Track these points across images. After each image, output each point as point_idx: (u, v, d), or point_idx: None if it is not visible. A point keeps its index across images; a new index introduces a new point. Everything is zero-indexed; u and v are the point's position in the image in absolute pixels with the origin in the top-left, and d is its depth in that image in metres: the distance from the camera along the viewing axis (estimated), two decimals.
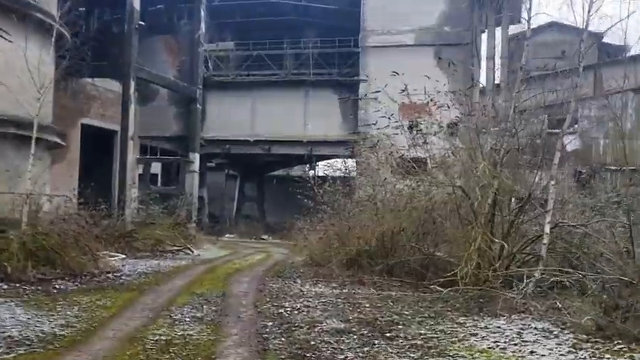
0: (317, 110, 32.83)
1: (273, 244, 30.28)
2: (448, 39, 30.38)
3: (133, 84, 22.90)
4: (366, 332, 8.12)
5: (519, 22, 33.54)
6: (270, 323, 8.74)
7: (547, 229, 11.26)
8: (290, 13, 36.19)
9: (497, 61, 31.53)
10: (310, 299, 10.91)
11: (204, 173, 37.36)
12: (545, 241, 11.20)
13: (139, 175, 28.30)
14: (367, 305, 10.22)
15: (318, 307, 10.12)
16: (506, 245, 10.72)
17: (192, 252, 20.62)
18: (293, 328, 8.30)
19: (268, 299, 11.00)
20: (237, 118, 33.56)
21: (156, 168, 36.97)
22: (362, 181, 16.83)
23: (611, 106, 26.34)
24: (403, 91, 13.93)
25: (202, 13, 29.67)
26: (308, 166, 47.23)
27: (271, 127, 33.18)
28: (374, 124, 16.72)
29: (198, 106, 28.11)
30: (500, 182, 10.84)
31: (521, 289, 9.94)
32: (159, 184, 36.69)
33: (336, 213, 15.99)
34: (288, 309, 9.88)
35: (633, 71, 30.37)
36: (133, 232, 19.60)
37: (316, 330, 8.20)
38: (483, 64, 31.52)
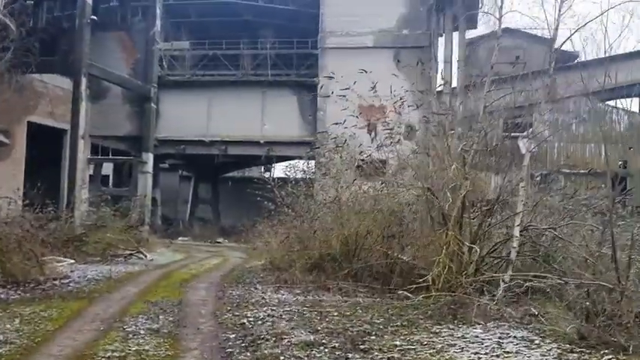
0: (275, 111, 32.06)
1: (228, 247, 29.39)
2: (406, 42, 30.09)
3: (84, 81, 21.67)
4: (337, 344, 7.47)
5: (475, 27, 33.74)
6: (233, 335, 8.03)
7: (516, 231, 10.90)
8: (246, 14, 35.33)
9: (454, 64, 31.52)
10: (274, 307, 10.21)
11: (157, 174, 36.20)
12: (514, 244, 10.84)
13: (90, 176, 27.09)
14: (335, 314, 9.59)
15: (284, 316, 9.44)
16: (477, 249, 10.25)
17: (146, 256, 19.60)
18: (258, 342, 7.60)
19: (229, 308, 10.25)
20: (192, 118, 32.47)
21: (107, 169, 35.61)
22: (325, 182, 16.15)
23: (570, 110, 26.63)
24: (372, 88, 13.36)
25: (158, 11, 28.52)
26: (262, 168, 46.54)
27: (228, 128, 32.24)
28: (341, 123, 16.10)
29: (152, 105, 26.78)
30: (472, 183, 10.39)
31: (495, 295, 9.49)
32: (110, 185, 35.41)
33: (298, 215, 15.30)
34: (251, 319, 9.16)
35: (586, 77, 30.81)
36: (83, 235, 18.43)
37: (284, 343, 7.51)
38: (440, 67, 31.38)
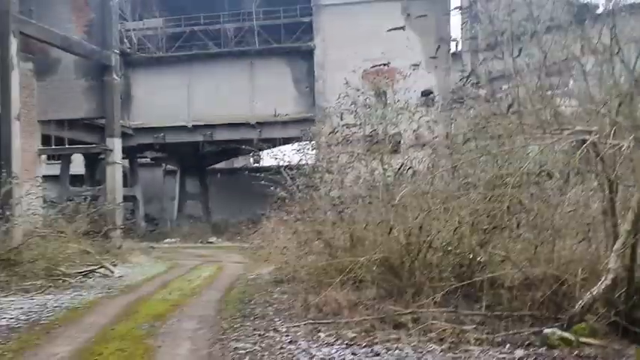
0: (266, 85, 26.24)
1: (222, 248, 23.66)
2: None
3: (14, 42, 15.48)
4: None
5: None
6: None
7: None
8: None
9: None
10: None
11: (135, 169, 30.43)
12: None
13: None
14: None
15: None
16: None
17: (112, 272, 13.88)
18: None
19: None
20: (170, 100, 26.61)
21: (79, 166, 29.58)
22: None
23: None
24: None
25: None
26: (251, 159, 40.36)
27: (212, 109, 26.42)
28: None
29: (114, 76, 19.87)
30: None
31: None
32: (85, 185, 29.44)
33: (335, 209, 9.48)
34: None
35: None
36: (14, 252, 12.40)
37: None
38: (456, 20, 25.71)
